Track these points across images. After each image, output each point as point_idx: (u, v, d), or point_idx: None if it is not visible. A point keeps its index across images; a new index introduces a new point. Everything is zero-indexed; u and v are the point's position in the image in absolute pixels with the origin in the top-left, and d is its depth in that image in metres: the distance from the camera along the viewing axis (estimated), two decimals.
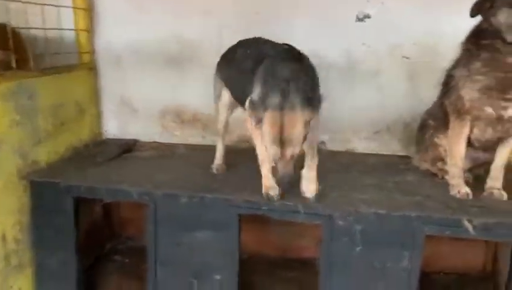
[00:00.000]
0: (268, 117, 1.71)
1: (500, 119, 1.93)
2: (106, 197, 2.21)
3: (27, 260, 2.24)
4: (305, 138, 1.76)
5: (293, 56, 1.88)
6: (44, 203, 2.22)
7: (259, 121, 1.75)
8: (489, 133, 2.00)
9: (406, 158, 2.53)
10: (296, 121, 1.70)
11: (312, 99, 1.77)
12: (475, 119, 1.98)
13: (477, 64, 1.91)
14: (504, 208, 1.94)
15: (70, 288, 2.27)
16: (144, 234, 2.26)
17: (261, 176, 2.00)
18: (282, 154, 1.72)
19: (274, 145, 1.72)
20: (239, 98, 2.11)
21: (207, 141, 2.85)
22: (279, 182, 1.84)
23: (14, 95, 2.11)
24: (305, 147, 1.89)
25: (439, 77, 2.18)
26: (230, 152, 2.47)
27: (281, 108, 1.69)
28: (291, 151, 1.72)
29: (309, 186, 1.98)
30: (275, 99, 1.71)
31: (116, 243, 2.91)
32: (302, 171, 1.99)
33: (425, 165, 2.33)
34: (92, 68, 2.84)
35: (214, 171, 2.36)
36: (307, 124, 1.73)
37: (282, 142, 1.70)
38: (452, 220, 1.86)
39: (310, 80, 1.83)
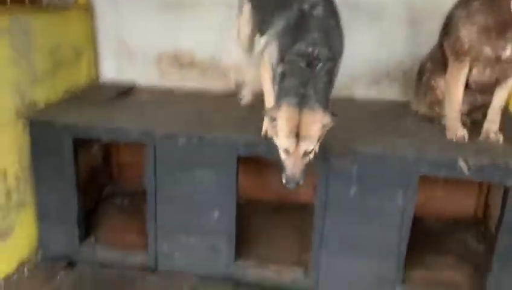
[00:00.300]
0: (284, 111, 1.64)
1: (498, 59, 1.93)
2: (105, 137, 2.21)
3: (28, 198, 2.27)
4: (320, 139, 1.68)
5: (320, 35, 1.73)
6: (44, 143, 2.23)
7: (274, 119, 1.67)
8: (487, 75, 2.00)
9: (405, 104, 2.54)
10: (314, 121, 1.63)
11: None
12: (474, 60, 1.98)
13: (476, 6, 1.90)
14: (499, 150, 1.97)
15: (71, 227, 2.32)
16: (143, 179, 2.28)
17: (260, 119, 2.01)
18: (295, 149, 1.64)
19: (289, 138, 1.64)
20: (257, 26, 2.12)
21: (205, 85, 2.83)
22: (285, 183, 1.70)
23: (9, 31, 2.07)
24: None
25: (441, 23, 2.15)
26: (229, 98, 2.47)
27: (300, 105, 1.62)
28: (305, 146, 1.64)
29: None
30: (292, 98, 1.63)
31: (115, 187, 2.94)
32: None
33: (423, 110, 2.34)
34: (88, 9, 2.78)
35: (242, 102, 2.44)
36: (325, 127, 1.66)
37: (297, 136, 1.63)
38: (447, 160, 1.89)
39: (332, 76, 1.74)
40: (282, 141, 1.66)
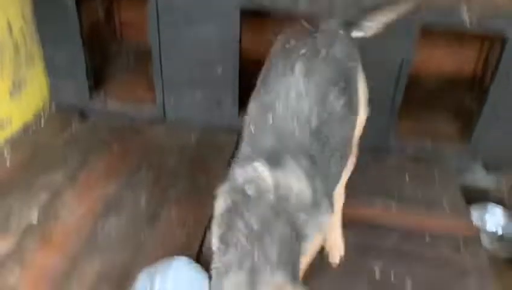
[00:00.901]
0: None
1: None
2: None
3: (36, 54, 2.33)
4: None
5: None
6: None
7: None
8: None
9: None
10: None
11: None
12: None
13: None
14: (504, 1, 1.94)
15: (81, 80, 2.40)
16: (147, 39, 2.29)
17: None
18: None
19: None
20: None
21: None
22: None
23: None
24: None
25: None
26: None
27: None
28: None
29: None
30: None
31: (120, 46, 2.96)
32: None
33: None
34: None
35: None
36: None
37: None
38: (450, 10, 1.89)
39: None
40: None
